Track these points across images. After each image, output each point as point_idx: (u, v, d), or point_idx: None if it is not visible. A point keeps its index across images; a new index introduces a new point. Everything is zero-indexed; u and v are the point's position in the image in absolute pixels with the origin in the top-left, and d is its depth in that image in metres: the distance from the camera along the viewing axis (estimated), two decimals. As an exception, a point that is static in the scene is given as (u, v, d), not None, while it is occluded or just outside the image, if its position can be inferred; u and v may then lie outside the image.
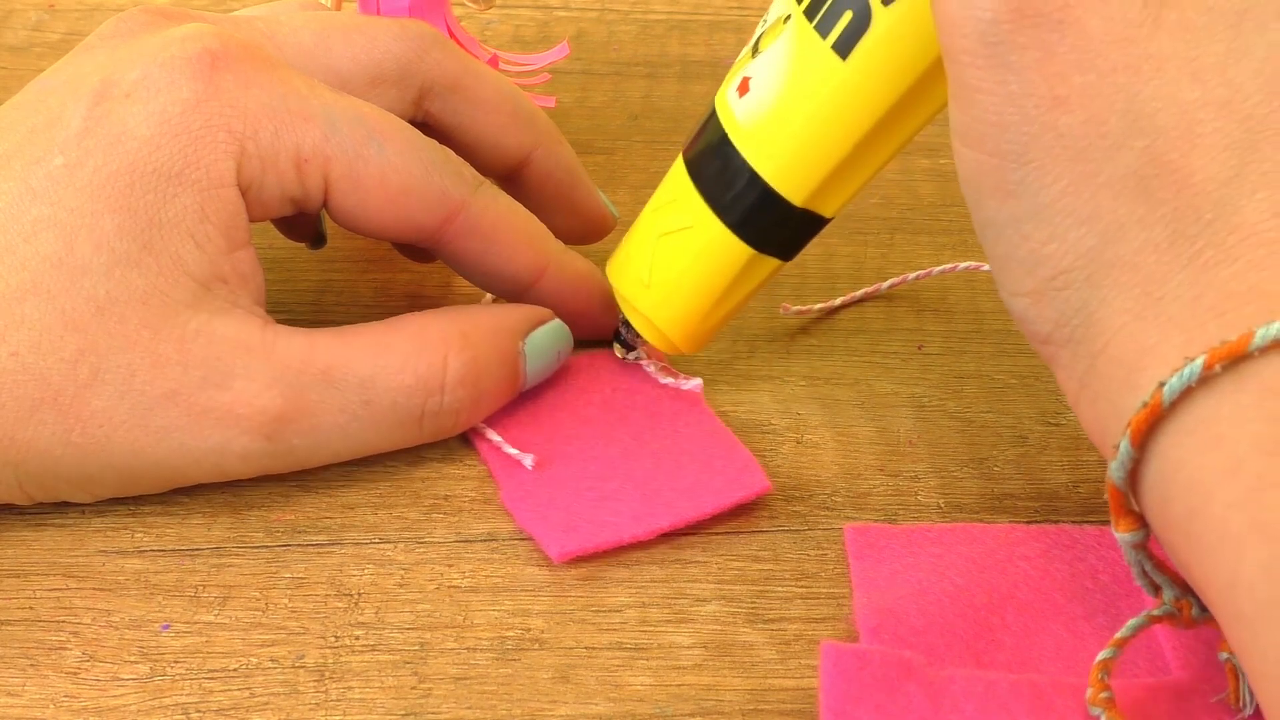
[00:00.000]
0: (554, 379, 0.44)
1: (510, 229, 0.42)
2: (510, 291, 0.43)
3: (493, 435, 0.42)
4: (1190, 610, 0.33)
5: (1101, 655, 0.34)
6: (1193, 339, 0.31)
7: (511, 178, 0.45)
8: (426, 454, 0.42)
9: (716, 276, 0.41)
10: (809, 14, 0.38)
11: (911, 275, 0.48)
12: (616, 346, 0.44)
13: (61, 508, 0.40)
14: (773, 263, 0.41)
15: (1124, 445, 0.31)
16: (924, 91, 0.38)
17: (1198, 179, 0.31)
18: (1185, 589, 0.33)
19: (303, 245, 0.49)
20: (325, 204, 0.40)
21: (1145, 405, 0.30)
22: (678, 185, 0.41)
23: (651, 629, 0.37)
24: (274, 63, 0.40)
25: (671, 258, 0.41)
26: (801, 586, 0.38)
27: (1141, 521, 0.32)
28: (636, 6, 0.63)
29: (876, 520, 0.40)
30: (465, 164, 0.42)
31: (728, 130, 0.40)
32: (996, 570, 0.38)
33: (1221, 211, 0.31)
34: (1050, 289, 0.33)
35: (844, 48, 0.38)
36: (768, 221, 0.40)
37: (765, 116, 0.39)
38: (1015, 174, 0.33)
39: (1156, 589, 0.33)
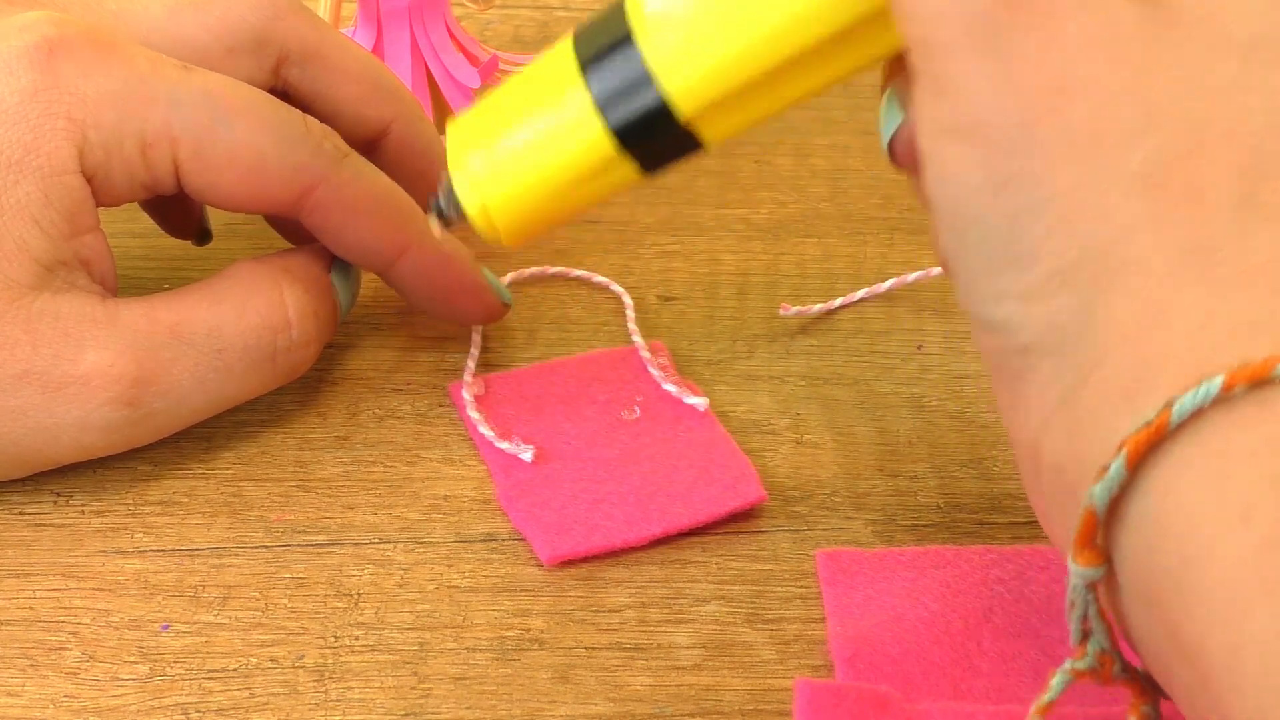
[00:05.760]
0: (555, 379, 0.44)
1: (372, 204, 0.42)
2: (371, 266, 0.43)
3: (485, 430, 0.42)
4: (1112, 667, 0.31)
5: None
6: (1204, 360, 0.28)
7: (371, 149, 0.45)
8: (426, 454, 0.42)
9: (568, 162, 0.36)
10: None
11: (911, 275, 0.47)
12: (432, 218, 0.39)
13: (61, 507, 0.40)
14: (628, 171, 0.36)
15: (1116, 466, 0.28)
16: (883, 20, 0.32)
17: (1209, 195, 0.30)
18: (1114, 643, 0.31)
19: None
20: (178, 184, 0.40)
21: (1148, 424, 0.27)
22: (557, 56, 0.36)
23: (651, 629, 0.37)
24: (116, 46, 0.39)
25: (527, 127, 0.36)
26: (801, 586, 0.38)
27: (1105, 557, 0.29)
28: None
29: (876, 520, 0.40)
30: (330, 134, 0.42)
31: (629, 7, 0.35)
32: (972, 594, 0.37)
33: (1237, 233, 0.29)
34: (1047, 289, 0.30)
35: None
36: (642, 118, 0.35)
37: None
38: (1011, 165, 0.30)
39: (1085, 636, 0.30)
